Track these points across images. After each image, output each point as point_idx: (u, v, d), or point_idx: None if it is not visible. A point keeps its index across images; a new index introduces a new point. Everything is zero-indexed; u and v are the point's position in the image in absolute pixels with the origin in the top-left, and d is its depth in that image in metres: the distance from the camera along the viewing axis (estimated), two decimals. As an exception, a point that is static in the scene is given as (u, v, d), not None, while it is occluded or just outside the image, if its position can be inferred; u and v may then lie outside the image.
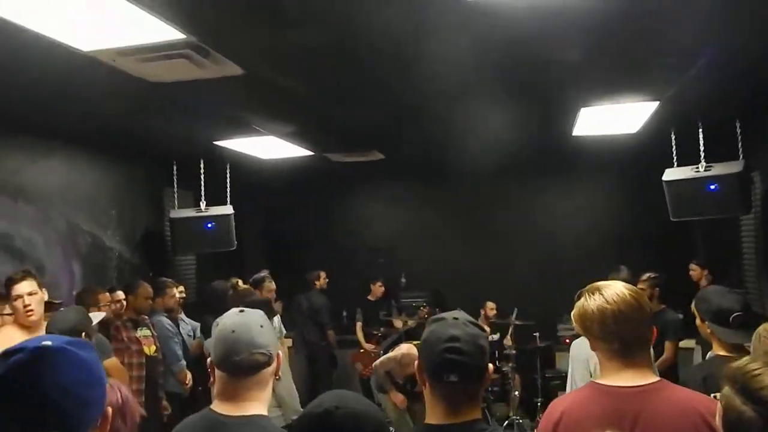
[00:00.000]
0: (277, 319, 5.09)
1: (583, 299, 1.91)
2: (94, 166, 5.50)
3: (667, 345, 4.93)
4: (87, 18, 2.47)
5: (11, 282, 3.39)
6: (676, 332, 5.00)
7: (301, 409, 3.89)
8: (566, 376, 6.63)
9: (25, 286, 3.36)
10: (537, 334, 6.86)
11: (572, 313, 1.96)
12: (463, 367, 1.55)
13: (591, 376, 3.35)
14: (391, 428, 4.78)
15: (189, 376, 4.93)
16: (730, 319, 2.57)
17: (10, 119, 4.28)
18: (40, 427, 1.04)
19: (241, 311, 1.78)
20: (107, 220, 5.56)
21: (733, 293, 2.76)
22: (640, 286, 5.20)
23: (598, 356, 1.92)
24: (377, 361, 5.12)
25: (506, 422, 6.38)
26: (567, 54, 3.23)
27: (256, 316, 1.78)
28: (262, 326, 1.74)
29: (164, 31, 2.66)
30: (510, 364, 6.68)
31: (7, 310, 3.49)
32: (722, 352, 2.59)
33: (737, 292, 2.82)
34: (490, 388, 6.36)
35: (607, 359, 1.87)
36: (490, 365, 1.63)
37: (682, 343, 5.38)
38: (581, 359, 3.44)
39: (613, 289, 1.87)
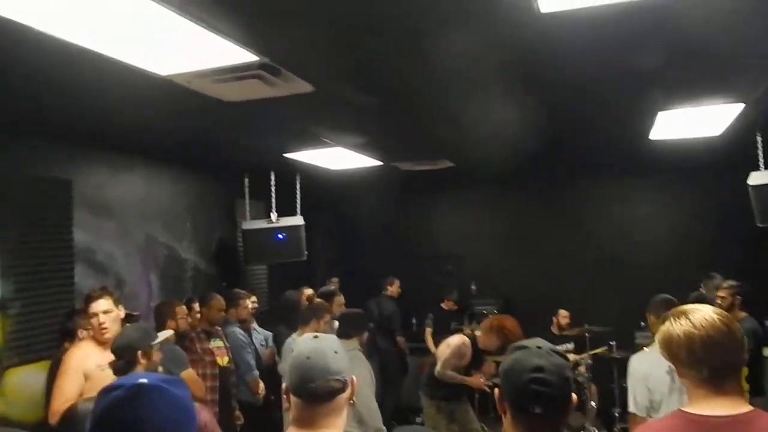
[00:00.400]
0: None
1: (668, 323, 1.83)
2: (170, 180, 5.71)
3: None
4: (165, 44, 2.57)
5: (89, 299, 3.50)
6: (756, 341, 4.74)
7: (383, 428, 3.94)
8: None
9: (102, 305, 3.45)
10: (613, 342, 6.63)
11: (657, 338, 1.88)
12: (549, 399, 1.52)
13: (650, 393, 3.25)
14: None
15: (262, 385, 5.02)
16: None
17: (95, 137, 4.50)
18: None
19: (316, 337, 1.79)
20: (182, 232, 5.76)
21: None
22: (720, 293, 4.99)
23: (685, 383, 1.83)
24: (439, 366, 5.05)
25: (582, 433, 6.21)
26: (645, 58, 3.10)
27: (331, 342, 1.78)
28: (336, 352, 1.74)
29: (237, 54, 2.73)
30: (586, 374, 6.49)
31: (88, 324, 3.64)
32: None
33: None
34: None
35: (695, 387, 1.79)
36: (574, 395, 1.58)
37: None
38: (639, 376, 3.32)
39: (701, 314, 1.79)
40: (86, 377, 3.29)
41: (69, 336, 3.84)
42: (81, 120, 3.98)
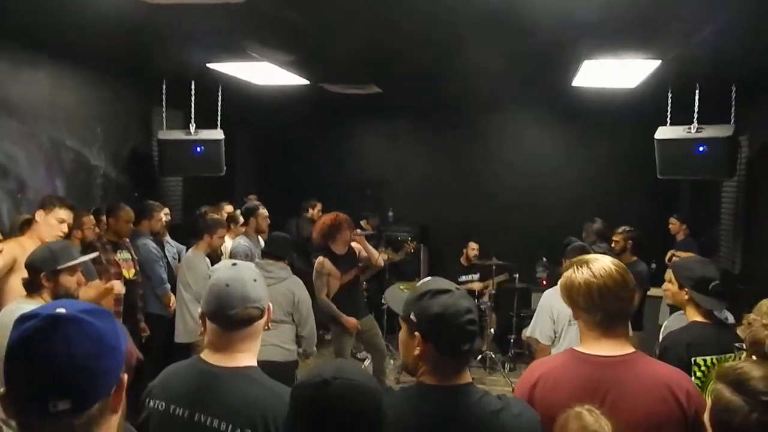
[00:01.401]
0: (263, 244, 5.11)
1: (571, 271, 1.96)
2: (81, 82, 5.34)
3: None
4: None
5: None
6: (644, 283, 5.17)
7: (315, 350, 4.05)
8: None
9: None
10: (516, 275, 7.03)
11: (559, 283, 2.02)
12: (475, 336, 1.67)
13: (554, 324, 3.65)
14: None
15: (173, 299, 4.99)
16: (710, 287, 2.66)
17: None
18: (49, 396, 1.03)
19: (234, 264, 1.79)
20: (92, 137, 5.46)
21: (711, 264, 2.88)
22: (615, 237, 5.36)
23: (579, 325, 1.99)
24: None
25: (480, 356, 6.66)
26: (579, 10, 3.17)
27: (250, 270, 1.80)
28: (255, 280, 1.77)
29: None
30: (488, 303, 6.88)
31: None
32: (699, 318, 2.69)
33: (715, 263, 2.92)
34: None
35: (588, 329, 1.95)
36: None
37: (652, 291, 5.60)
38: (546, 308, 3.72)
39: (601, 264, 1.93)
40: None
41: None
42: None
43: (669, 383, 1.83)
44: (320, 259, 4.99)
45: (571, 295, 1.95)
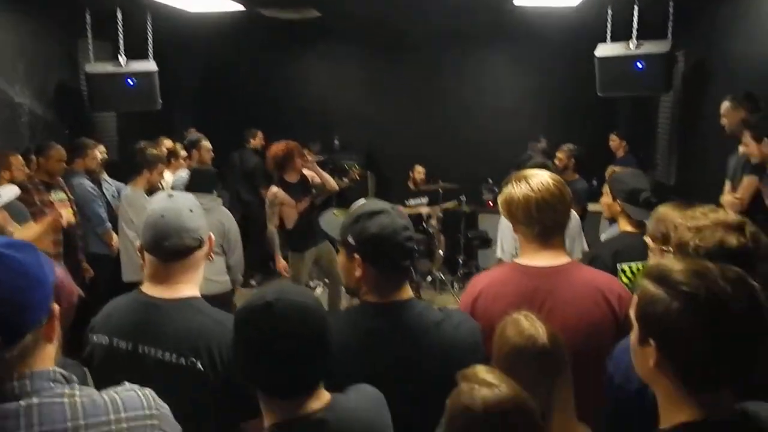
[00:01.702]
0: None
1: (510, 186, 2.00)
2: (-3, 13, 4.97)
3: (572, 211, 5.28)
4: None
5: None
6: (580, 201, 5.33)
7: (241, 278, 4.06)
8: (485, 236, 7.09)
9: None
10: (463, 197, 7.13)
11: (499, 199, 2.06)
12: (413, 253, 1.71)
13: (515, 241, 3.64)
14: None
15: (115, 237, 4.88)
16: (640, 198, 2.78)
17: None
18: None
19: (170, 196, 1.75)
20: (13, 73, 5.13)
21: (644, 176, 2.98)
22: (558, 155, 5.47)
23: (519, 239, 2.05)
24: None
25: (430, 277, 6.82)
26: None
27: (186, 199, 1.76)
28: (191, 210, 1.73)
29: None
30: (437, 225, 7.00)
31: None
32: (629, 228, 2.82)
33: (646, 175, 3.02)
34: (416, 247, 6.66)
35: (527, 242, 2.01)
36: None
37: (593, 207, 5.80)
38: (507, 225, 3.69)
39: (539, 179, 1.96)
40: None
41: None
42: None
43: (601, 288, 1.92)
44: (272, 188, 4.97)
45: (511, 209, 1.98)
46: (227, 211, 4.28)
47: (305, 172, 5.10)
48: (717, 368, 1.12)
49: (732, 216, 1.74)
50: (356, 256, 1.68)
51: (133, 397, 1.19)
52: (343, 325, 1.65)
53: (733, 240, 1.60)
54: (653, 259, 2.03)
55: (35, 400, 1.09)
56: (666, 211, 2.00)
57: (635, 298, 1.21)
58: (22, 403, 1.08)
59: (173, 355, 1.63)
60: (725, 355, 1.10)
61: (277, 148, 4.99)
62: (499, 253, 3.82)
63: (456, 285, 6.87)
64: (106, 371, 1.65)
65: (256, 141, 7.29)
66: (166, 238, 1.67)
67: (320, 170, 5.23)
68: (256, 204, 7.30)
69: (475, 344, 1.72)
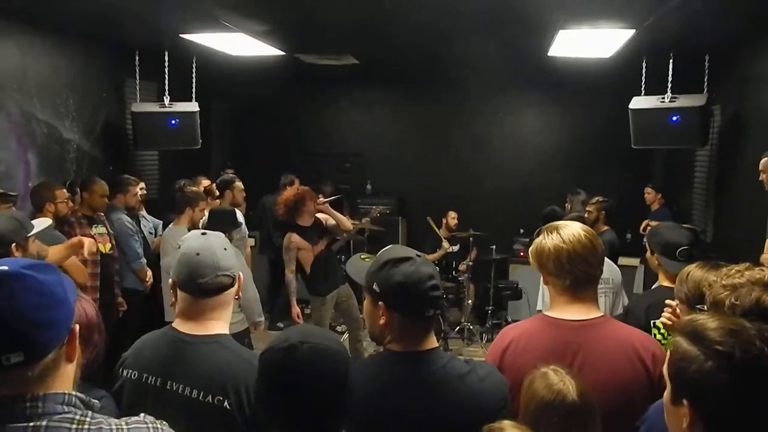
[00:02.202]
0: (240, 218, 5.09)
1: (541, 237, 1.99)
2: (51, 52, 5.21)
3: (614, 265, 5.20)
4: None
5: None
6: (613, 252, 5.24)
7: (261, 317, 4.03)
8: (516, 287, 6.98)
9: None
10: (494, 246, 7.08)
11: (530, 249, 2.05)
12: (439, 302, 1.68)
13: None
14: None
15: (150, 273, 4.97)
16: (677, 252, 2.71)
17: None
18: (1, 350, 1.06)
19: (204, 233, 1.80)
20: (65, 109, 5.35)
21: (683, 229, 2.90)
22: (588, 208, 5.42)
23: (549, 290, 2.03)
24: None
25: (458, 327, 6.74)
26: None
27: (219, 239, 1.81)
28: (225, 249, 1.78)
29: None
30: (466, 274, 6.95)
31: None
32: (666, 283, 2.73)
33: (687, 227, 2.96)
34: (445, 295, 6.62)
35: (558, 294, 1.98)
36: None
37: (627, 261, 5.70)
38: None
39: (570, 230, 1.95)
40: None
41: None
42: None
43: (635, 346, 1.87)
44: (288, 234, 5.01)
45: (541, 260, 1.97)
46: (236, 251, 4.25)
47: (319, 215, 5.14)
48: (751, 430, 1.09)
49: (768, 274, 1.70)
50: (380, 303, 1.67)
51: (141, 428, 1.20)
52: (365, 373, 1.63)
53: (770, 300, 1.56)
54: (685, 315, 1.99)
55: (44, 423, 1.10)
56: (692, 270, 1.97)
57: (668, 355, 1.19)
58: (31, 424, 1.09)
59: (201, 393, 1.64)
60: (760, 417, 1.07)
61: (288, 194, 5.08)
62: (539, 305, 3.73)
63: (485, 336, 6.76)
64: (135, 406, 1.67)
65: (293, 188, 7.38)
66: (202, 276, 1.70)
67: (332, 210, 5.26)
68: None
69: (501, 399, 1.68)
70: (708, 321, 1.16)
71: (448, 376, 1.65)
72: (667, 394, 1.21)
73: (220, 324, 1.77)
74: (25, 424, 1.09)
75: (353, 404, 1.33)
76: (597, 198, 5.43)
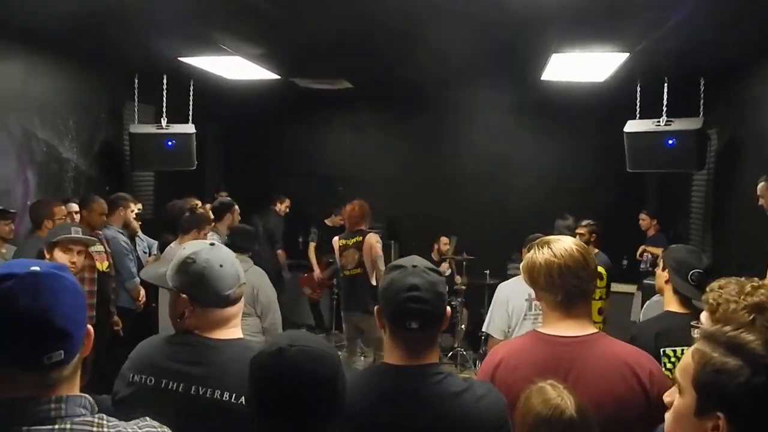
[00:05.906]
0: None
1: (532, 252, 1.96)
2: (53, 73, 5.28)
3: None
4: None
5: None
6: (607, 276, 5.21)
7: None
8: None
9: None
10: (487, 271, 7.04)
11: (521, 264, 2.02)
12: (424, 315, 1.60)
13: (508, 318, 3.51)
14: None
15: (143, 292, 4.94)
16: (690, 274, 2.58)
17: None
18: (45, 349, 1.06)
19: (212, 245, 1.78)
20: (64, 129, 5.39)
21: (702, 255, 2.77)
22: (578, 231, 5.40)
23: (542, 306, 2.00)
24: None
25: (451, 353, 6.66)
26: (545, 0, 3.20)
27: (225, 249, 1.80)
28: (235, 257, 1.80)
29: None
30: (459, 299, 6.90)
31: None
32: (673, 308, 2.61)
33: (706, 256, 2.89)
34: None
35: (550, 309, 1.95)
36: (448, 308, 1.68)
37: (623, 288, 5.66)
38: (501, 301, 3.61)
39: (562, 244, 1.93)
40: None
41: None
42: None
43: (629, 362, 1.83)
44: (373, 234, 5.32)
45: (533, 274, 1.94)
46: (259, 269, 4.16)
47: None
48: None
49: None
50: (377, 310, 1.67)
51: (151, 431, 1.21)
52: (357, 384, 1.59)
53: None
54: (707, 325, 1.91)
55: (68, 425, 1.10)
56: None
57: (690, 364, 1.15)
58: (56, 426, 1.09)
59: (233, 395, 1.60)
60: None
61: (359, 205, 5.41)
62: (486, 326, 3.64)
63: (477, 362, 6.67)
64: (151, 412, 1.60)
65: (282, 206, 7.43)
66: (229, 287, 1.70)
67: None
68: (273, 262, 7.28)
69: (499, 419, 1.61)
70: (744, 333, 1.13)
71: (442, 392, 1.60)
72: (684, 406, 1.17)
73: (237, 330, 1.78)
74: (51, 427, 1.09)
75: (343, 413, 1.31)
76: (587, 221, 5.43)
